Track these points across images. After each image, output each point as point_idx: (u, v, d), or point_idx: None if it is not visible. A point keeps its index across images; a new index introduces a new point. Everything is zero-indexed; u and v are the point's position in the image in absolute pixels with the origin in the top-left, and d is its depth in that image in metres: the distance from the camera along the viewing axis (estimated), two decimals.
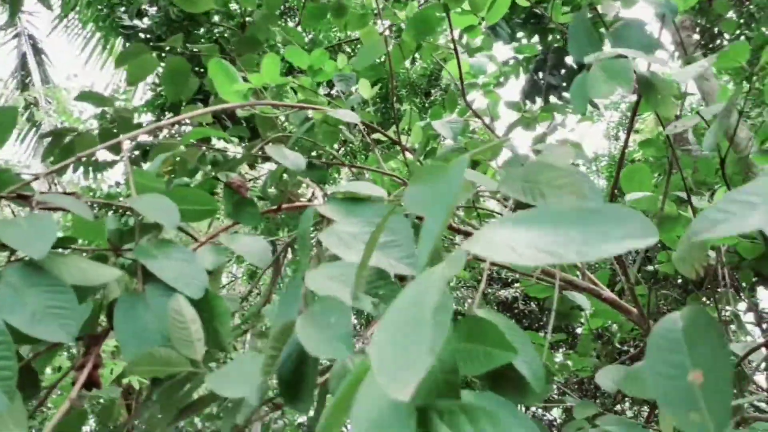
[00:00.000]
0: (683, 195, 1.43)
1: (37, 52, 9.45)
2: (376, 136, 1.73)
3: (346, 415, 0.29)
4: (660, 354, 0.40)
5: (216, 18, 4.46)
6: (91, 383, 0.70)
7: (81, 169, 1.70)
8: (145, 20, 5.31)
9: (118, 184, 6.58)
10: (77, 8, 6.02)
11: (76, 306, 0.67)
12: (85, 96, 1.33)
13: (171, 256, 0.78)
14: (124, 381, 3.80)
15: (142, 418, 0.69)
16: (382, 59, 1.88)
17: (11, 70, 9.41)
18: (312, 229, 0.77)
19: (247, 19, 2.31)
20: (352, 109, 1.39)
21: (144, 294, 0.74)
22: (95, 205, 0.98)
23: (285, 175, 1.24)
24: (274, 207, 1.23)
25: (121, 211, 1.08)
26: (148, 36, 5.24)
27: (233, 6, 4.18)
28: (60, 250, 0.80)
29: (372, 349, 0.29)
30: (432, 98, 6.77)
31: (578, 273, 1.50)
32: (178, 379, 0.65)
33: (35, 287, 0.66)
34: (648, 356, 0.40)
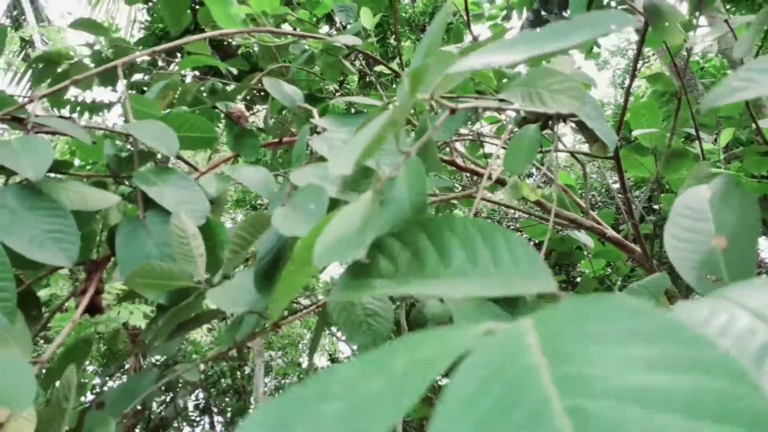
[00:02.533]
0: (691, 133, 1.40)
1: None
2: (378, 68, 1.68)
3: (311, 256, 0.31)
4: (681, 221, 0.38)
5: None
6: (94, 308, 0.70)
7: (76, 112, 1.66)
8: None
9: (115, 126, 6.49)
10: None
11: (75, 230, 0.65)
12: (80, 23, 1.28)
13: (171, 182, 0.76)
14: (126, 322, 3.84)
15: (146, 336, 0.69)
16: None
17: (4, 8, 9.14)
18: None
19: None
20: (356, 34, 1.34)
21: (144, 220, 0.73)
22: (93, 131, 0.96)
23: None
24: (276, 140, 1.20)
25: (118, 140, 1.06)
26: None
27: None
28: (56, 175, 0.78)
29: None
30: None
31: (581, 213, 1.49)
32: (182, 296, 0.65)
33: (34, 210, 0.64)
34: (668, 224, 0.38)
